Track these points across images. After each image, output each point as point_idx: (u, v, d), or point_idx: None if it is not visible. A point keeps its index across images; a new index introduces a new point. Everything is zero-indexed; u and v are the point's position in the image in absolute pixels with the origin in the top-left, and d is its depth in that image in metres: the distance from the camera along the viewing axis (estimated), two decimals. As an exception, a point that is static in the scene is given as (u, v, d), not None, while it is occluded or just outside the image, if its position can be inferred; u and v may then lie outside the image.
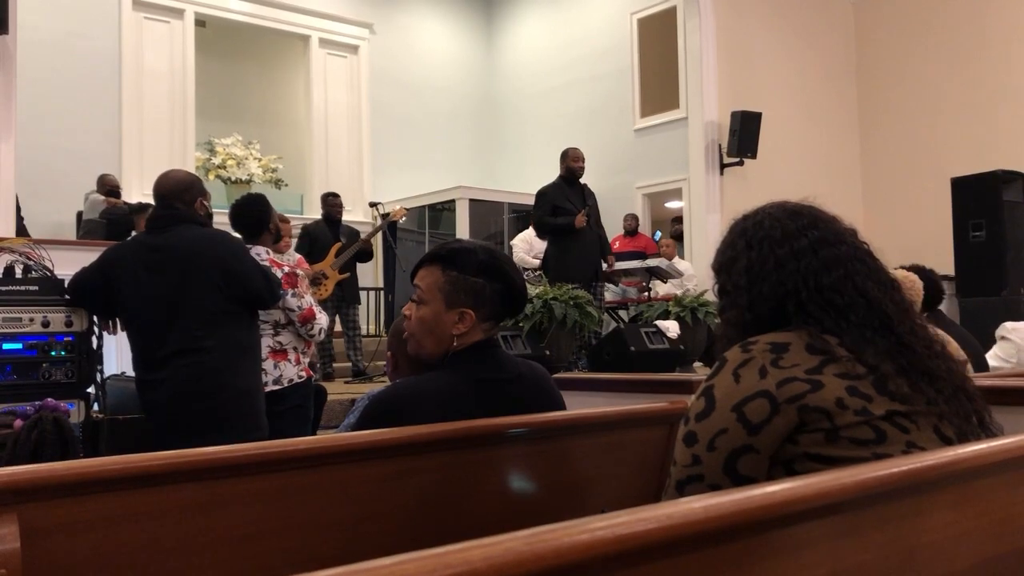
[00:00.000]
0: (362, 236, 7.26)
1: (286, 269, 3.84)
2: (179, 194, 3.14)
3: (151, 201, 7.40)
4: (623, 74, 10.69)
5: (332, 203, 7.36)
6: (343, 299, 7.10)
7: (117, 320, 3.28)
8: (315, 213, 7.91)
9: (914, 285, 3.38)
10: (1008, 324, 3.58)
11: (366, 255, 7.30)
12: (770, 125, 9.14)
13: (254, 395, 3.19)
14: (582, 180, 6.93)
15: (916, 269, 3.79)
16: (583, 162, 6.92)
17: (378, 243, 8.16)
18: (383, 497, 1.51)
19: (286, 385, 3.78)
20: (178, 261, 3.02)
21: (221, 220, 3.89)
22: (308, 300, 3.86)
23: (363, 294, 8.37)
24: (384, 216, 7.50)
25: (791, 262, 1.37)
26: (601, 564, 0.77)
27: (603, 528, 0.77)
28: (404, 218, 7.87)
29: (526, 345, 5.64)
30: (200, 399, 2.97)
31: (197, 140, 10.33)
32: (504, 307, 1.81)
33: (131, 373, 3.83)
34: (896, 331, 1.34)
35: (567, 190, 6.85)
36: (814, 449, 1.23)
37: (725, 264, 1.46)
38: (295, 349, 3.87)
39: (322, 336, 4.03)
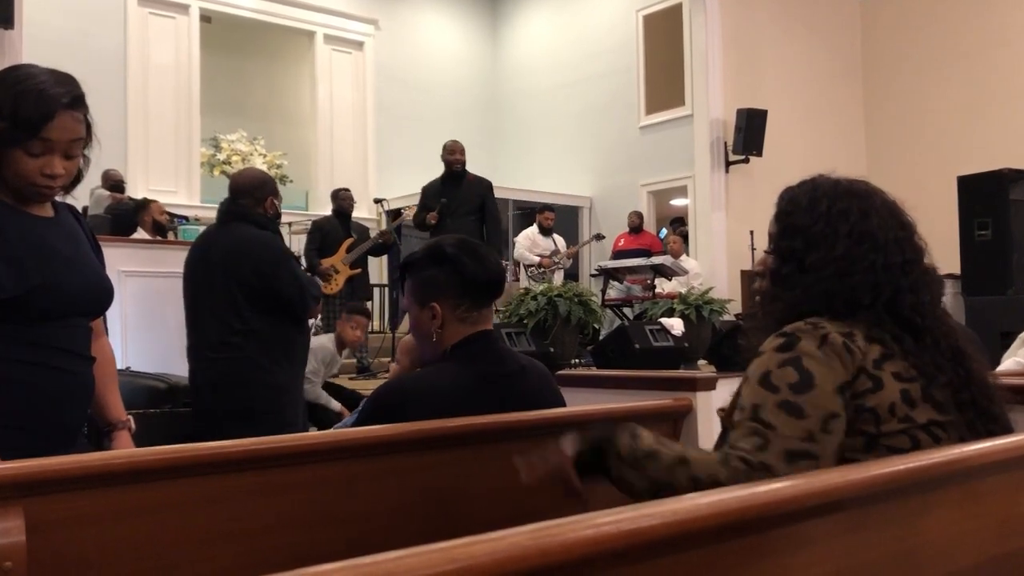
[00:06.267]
0: (371, 233, 7.26)
1: None
2: (250, 191, 3.18)
3: (153, 197, 7.37)
4: (628, 71, 10.67)
5: (344, 196, 7.24)
6: (352, 295, 7.09)
7: None
8: (320, 209, 7.91)
9: None
10: None
11: (383, 248, 7.29)
12: (776, 122, 9.11)
13: (288, 391, 3.20)
14: (479, 174, 6.52)
15: None
16: (459, 154, 6.30)
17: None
18: (387, 493, 1.51)
19: None
20: (222, 258, 3.11)
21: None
22: None
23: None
24: (396, 215, 7.52)
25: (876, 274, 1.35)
26: (607, 559, 0.77)
27: (609, 523, 0.77)
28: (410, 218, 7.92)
29: (530, 342, 5.64)
30: (231, 390, 3.05)
31: (202, 136, 10.35)
32: (466, 287, 1.78)
33: (136, 368, 3.85)
34: (965, 366, 1.34)
35: (440, 187, 6.32)
36: (850, 454, 1.22)
37: (815, 237, 1.37)
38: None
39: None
